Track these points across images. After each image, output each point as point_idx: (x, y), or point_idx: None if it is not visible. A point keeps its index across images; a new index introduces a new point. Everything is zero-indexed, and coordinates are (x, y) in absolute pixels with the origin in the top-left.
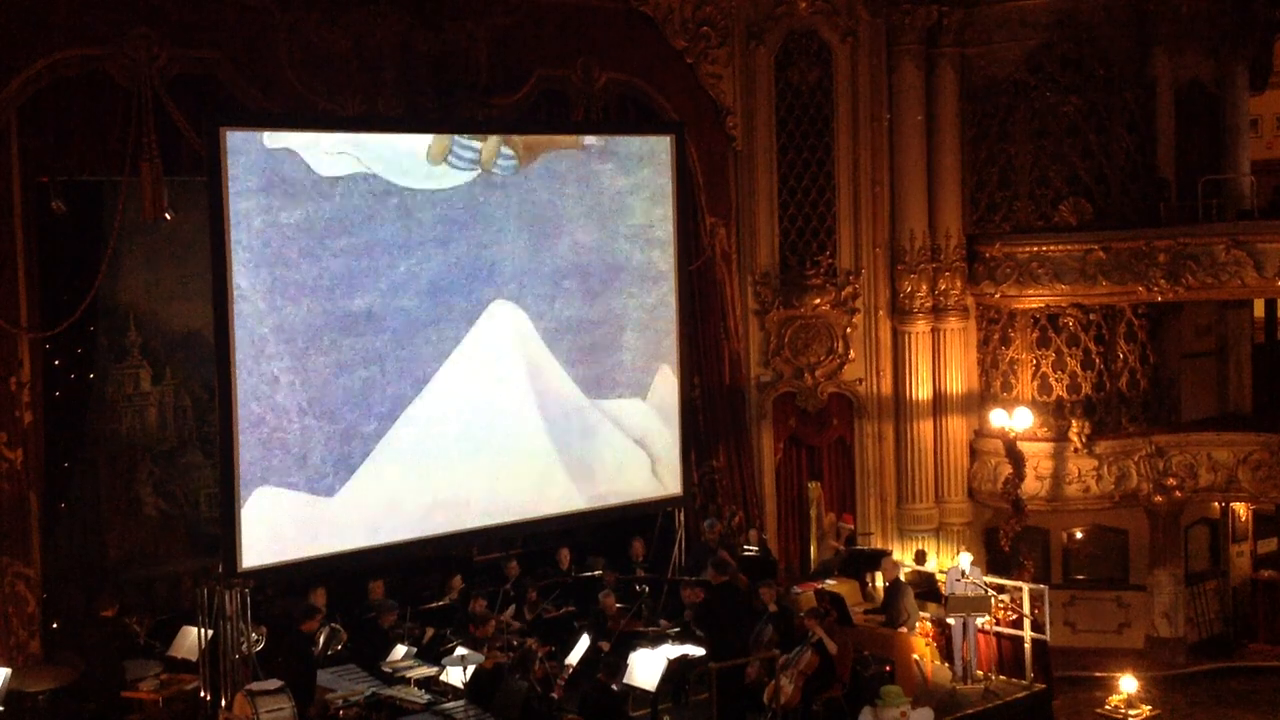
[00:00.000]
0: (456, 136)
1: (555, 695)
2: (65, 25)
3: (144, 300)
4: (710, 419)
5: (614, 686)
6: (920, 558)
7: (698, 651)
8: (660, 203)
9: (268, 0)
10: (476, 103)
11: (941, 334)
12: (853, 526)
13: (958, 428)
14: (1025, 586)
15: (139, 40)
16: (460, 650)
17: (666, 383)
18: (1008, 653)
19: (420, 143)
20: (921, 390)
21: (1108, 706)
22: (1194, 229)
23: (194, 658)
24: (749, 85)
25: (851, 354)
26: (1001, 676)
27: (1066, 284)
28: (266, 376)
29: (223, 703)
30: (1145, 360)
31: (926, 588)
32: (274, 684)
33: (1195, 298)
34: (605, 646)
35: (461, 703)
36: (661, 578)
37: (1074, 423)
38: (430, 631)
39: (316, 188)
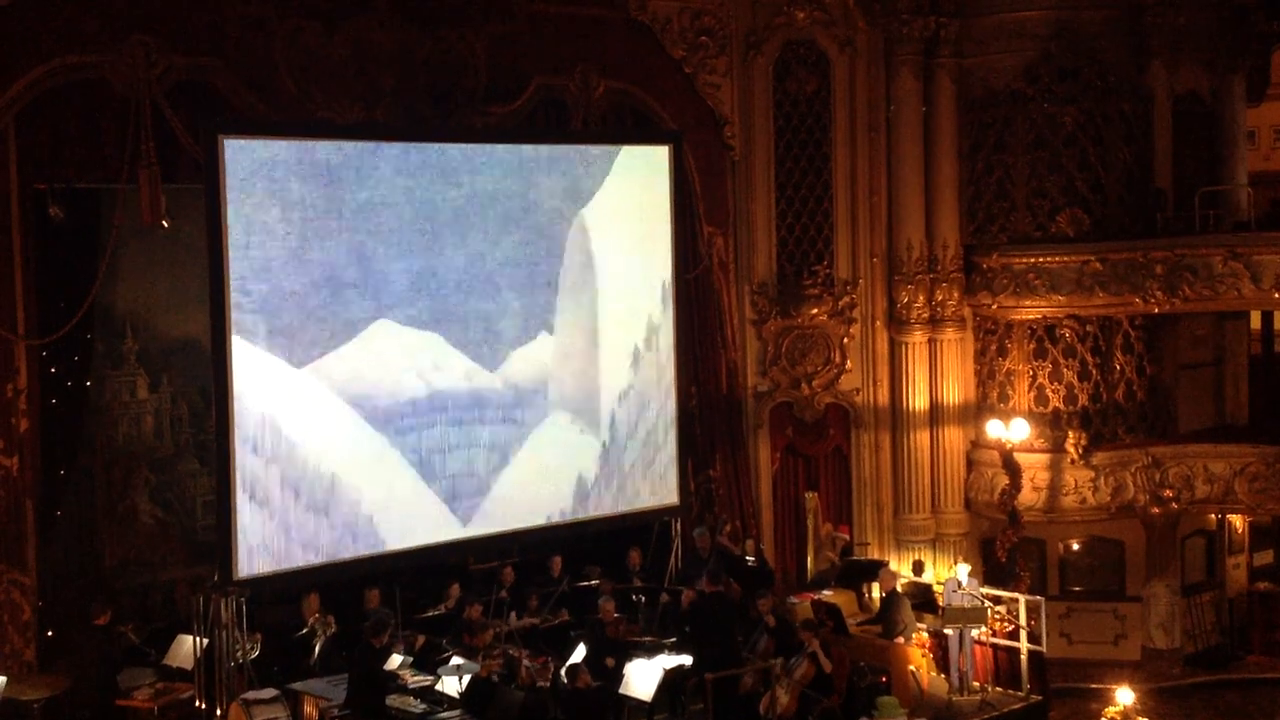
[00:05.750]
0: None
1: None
2: (64, 32)
3: (141, 307)
4: (707, 428)
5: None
6: (918, 568)
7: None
8: (658, 212)
9: (267, 8)
10: (475, 111)
11: (938, 344)
12: (848, 537)
13: (954, 438)
14: (1022, 598)
15: (137, 47)
16: (456, 659)
17: (664, 392)
18: (1004, 664)
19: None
20: (918, 401)
21: (1104, 718)
22: (1191, 240)
23: (189, 666)
24: (747, 95)
25: (848, 364)
26: (998, 688)
27: (1063, 295)
28: (263, 384)
29: (218, 711)
30: (1142, 371)
31: (923, 598)
32: (269, 693)
33: (1192, 309)
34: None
35: (457, 712)
36: (657, 587)
37: (1070, 434)
38: (421, 639)
39: (313, 195)
